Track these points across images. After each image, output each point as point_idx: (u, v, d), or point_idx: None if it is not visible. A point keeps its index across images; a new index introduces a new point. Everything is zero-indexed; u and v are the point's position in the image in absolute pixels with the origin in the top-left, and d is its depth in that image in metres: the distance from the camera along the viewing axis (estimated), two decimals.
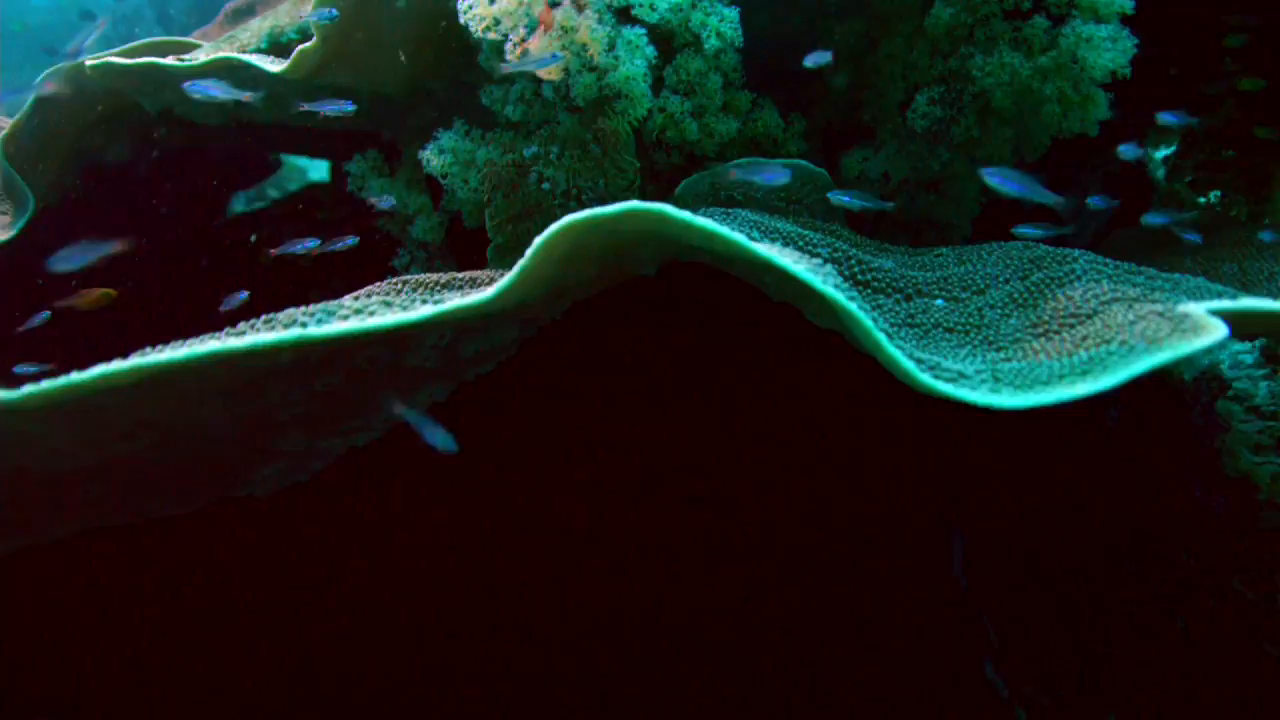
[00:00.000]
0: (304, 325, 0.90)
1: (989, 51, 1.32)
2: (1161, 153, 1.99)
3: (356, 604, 1.55)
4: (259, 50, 1.70)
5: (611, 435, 1.30)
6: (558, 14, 1.16)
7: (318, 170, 2.43)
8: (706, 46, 1.26)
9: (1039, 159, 1.44)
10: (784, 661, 1.29)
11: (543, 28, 1.18)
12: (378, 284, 1.18)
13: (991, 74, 1.31)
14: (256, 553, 1.53)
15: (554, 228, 0.88)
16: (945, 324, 1.09)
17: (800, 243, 1.13)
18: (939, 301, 1.14)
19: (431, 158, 1.35)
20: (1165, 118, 1.39)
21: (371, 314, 0.89)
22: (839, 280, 0.89)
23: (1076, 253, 1.18)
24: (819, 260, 0.90)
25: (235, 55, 1.55)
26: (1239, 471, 1.44)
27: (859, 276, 1.14)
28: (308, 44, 1.45)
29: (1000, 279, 1.17)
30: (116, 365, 0.85)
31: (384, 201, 1.36)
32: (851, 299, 0.85)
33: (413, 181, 1.58)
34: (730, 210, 1.18)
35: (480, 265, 1.45)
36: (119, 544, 1.39)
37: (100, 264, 1.32)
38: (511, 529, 1.42)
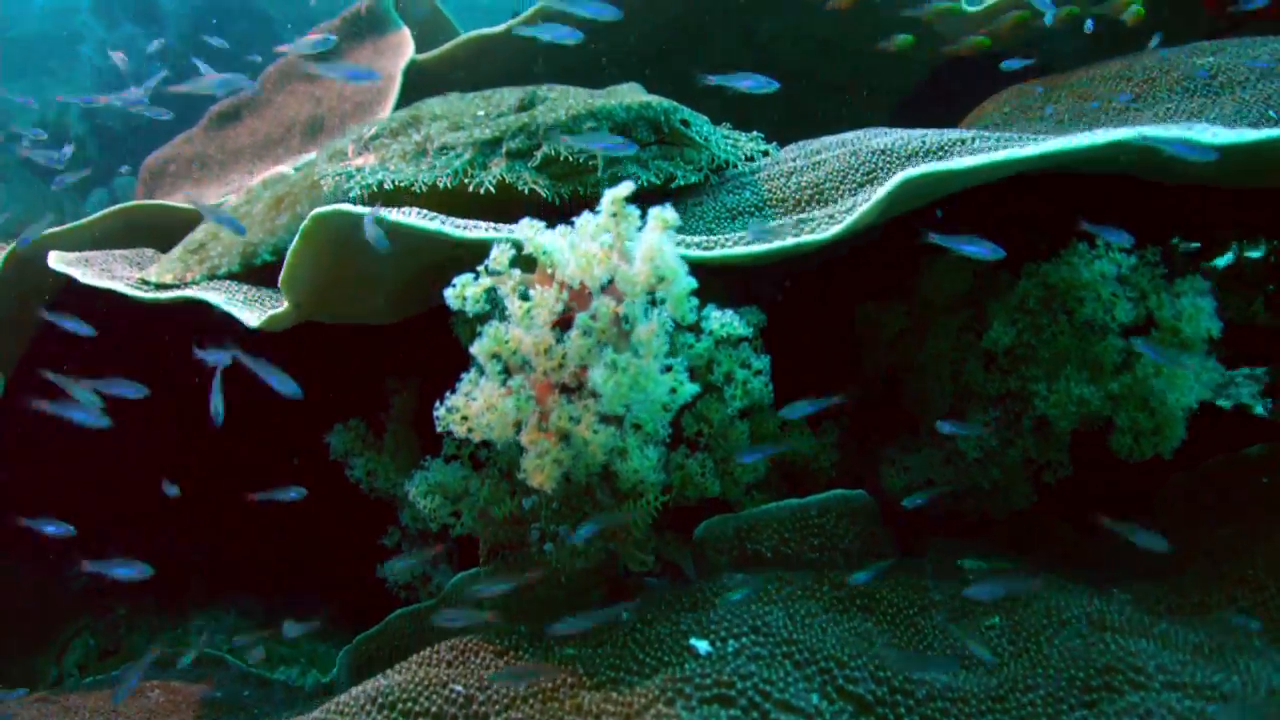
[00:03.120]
0: None
1: (1054, 375, 1.15)
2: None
3: None
4: (230, 274, 1.53)
5: None
6: (554, 412, 0.99)
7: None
8: (730, 409, 1.09)
9: None
10: None
11: (538, 414, 1.01)
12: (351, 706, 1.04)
13: (1057, 405, 1.14)
14: None
15: None
16: None
17: (841, 678, 1.00)
18: None
19: (419, 498, 1.19)
20: None
21: None
22: None
23: (1152, 666, 1.04)
24: None
25: (204, 296, 1.39)
26: None
27: None
28: (279, 310, 1.29)
29: (1065, 703, 1.03)
30: None
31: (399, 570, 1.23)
32: None
33: (401, 452, 1.42)
34: (761, 620, 1.04)
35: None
36: None
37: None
38: None
